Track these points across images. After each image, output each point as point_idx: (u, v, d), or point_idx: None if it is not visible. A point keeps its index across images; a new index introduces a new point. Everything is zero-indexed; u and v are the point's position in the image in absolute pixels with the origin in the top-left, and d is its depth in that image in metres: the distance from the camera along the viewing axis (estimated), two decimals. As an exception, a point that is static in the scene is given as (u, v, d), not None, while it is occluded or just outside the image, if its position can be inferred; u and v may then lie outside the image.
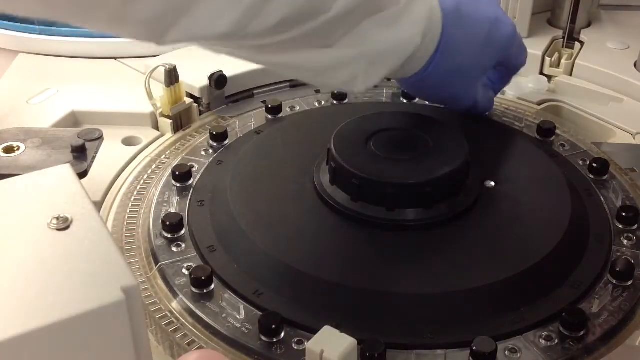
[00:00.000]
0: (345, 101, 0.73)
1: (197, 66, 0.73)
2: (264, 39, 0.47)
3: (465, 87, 0.63)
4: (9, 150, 0.56)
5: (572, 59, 0.81)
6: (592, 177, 0.61)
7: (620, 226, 0.56)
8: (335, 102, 0.73)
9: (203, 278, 0.49)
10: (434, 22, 0.56)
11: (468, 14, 0.59)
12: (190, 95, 0.72)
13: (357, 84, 0.53)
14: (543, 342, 0.46)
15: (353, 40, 0.50)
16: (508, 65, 0.67)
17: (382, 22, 0.51)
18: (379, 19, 0.51)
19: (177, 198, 0.59)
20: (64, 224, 0.38)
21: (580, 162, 0.63)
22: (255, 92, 0.77)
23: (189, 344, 0.47)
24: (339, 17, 0.47)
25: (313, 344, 0.39)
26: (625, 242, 0.54)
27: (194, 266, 0.51)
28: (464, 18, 0.58)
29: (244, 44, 0.48)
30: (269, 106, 0.70)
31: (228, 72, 0.73)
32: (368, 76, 0.53)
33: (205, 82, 0.72)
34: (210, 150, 0.65)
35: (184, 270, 0.51)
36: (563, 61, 0.82)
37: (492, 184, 0.58)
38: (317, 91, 0.77)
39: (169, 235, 0.54)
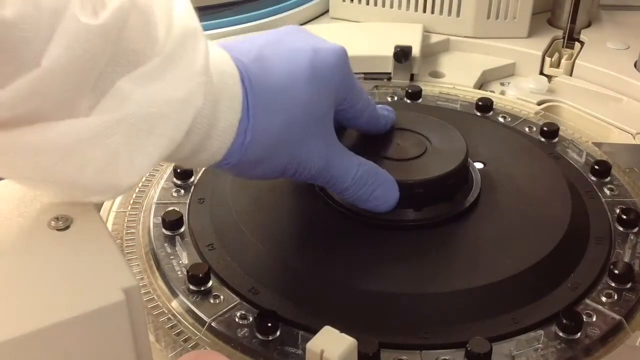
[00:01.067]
0: None
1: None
2: None
3: (306, 148, 0.47)
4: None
5: (572, 59, 0.81)
6: (594, 179, 0.61)
7: (621, 229, 0.56)
8: None
9: (200, 275, 0.50)
10: (225, 77, 0.43)
11: (277, 56, 0.46)
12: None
13: (120, 170, 0.38)
14: (539, 343, 0.46)
15: (109, 104, 0.37)
16: (352, 102, 0.52)
17: (141, 79, 0.38)
18: (137, 75, 0.37)
19: (178, 195, 0.59)
20: (64, 224, 0.38)
21: (583, 164, 0.63)
22: (255, 92, 0.77)
23: (188, 343, 0.47)
24: (56, 74, 0.34)
25: (313, 344, 0.39)
26: (626, 244, 0.54)
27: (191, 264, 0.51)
28: (272, 62, 0.46)
29: None
30: None
31: (228, 72, 0.72)
32: (134, 154, 0.38)
33: (205, 82, 0.71)
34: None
35: (183, 268, 0.52)
36: (563, 61, 0.82)
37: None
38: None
39: (169, 233, 0.55)
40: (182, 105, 0.39)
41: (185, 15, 0.40)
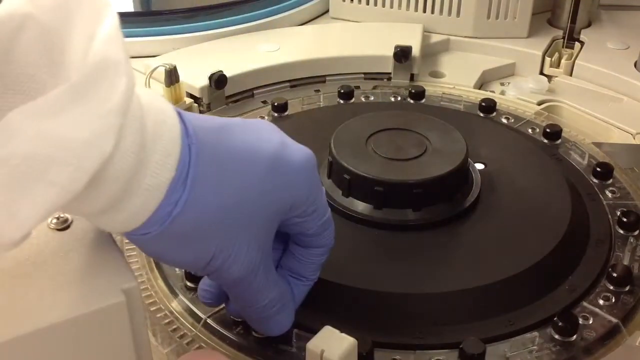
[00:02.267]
0: (352, 100, 0.73)
1: (197, 66, 0.73)
2: None
3: (240, 244, 0.40)
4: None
5: (572, 59, 0.81)
6: (595, 181, 0.61)
7: (622, 231, 0.56)
8: (341, 101, 0.73)
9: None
10: (163, 129, 0.36)
11: (241, 134, 0.40)
12: (191, 95, 0.72)
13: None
14: (534, 345, 0.46)
15: None
16: (306, 232, 0.44)
17: (36, 111, 0.30)
18: (32, 107, 0.30)
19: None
20: (64, 224, 0.38)
21: (585, 166, 0.63)
22: (255, 92, 0.77)
23: (188, 344, 0.47)
24: None
25: (313, 344, 0.39)
26: (625, 247, 0.54)
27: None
28: (233, 137, 0.40)
29: None
30: (275, 104, 0.70)
31: (228, 72, 0.73)
32: (16, 203, 0.30)
33: (205, 82, 0.72)
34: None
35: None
36: (563, 61, 0.82)
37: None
38: (317, 90, 0.77)
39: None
40: (84, 148, 0.31)
41: (109, 44, 0.32)
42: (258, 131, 0.41)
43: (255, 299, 0.43)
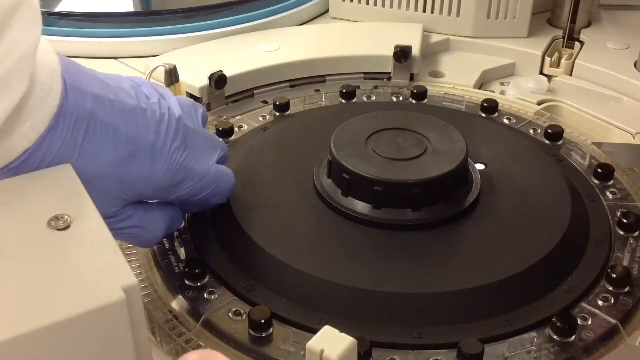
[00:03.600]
0: (354, 100, 0.73)
1: (198, 66, 0.73)
2: None
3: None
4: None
5: (572, 59, 0.81)
6: (596, 182, 0.61)
7: (622, 233, 0.56)
8: (344, 101, 0.73)
9: (197, 272, 0.50)
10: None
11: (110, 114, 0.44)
12: (191, 95, 0.72)
13: None
14: (532, 346, 0.46)
15: None
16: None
17: None
18: None
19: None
20: (64, 224, 0.38)
21: (586, 167, 0.63)
22: (255, 92, 0.77)
23: (182, 338, 0.47)
24: None
25: (313, 344, 0.39)
26: (625, 249, 0.54)
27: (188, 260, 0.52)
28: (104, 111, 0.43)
29: None
30: (277, 103, 0.70)
31: (228, 72, 0.73)
32: None
33: (205, 82, 0.72)
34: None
35: (181, 265, 0.52)
36: (563, 61, 0.82)
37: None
38: (318, 90, 0.77)
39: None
40: None
41: None
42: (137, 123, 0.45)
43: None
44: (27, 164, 0.41)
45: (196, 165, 0.49)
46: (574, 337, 0.46)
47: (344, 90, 0.73)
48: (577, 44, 0.85)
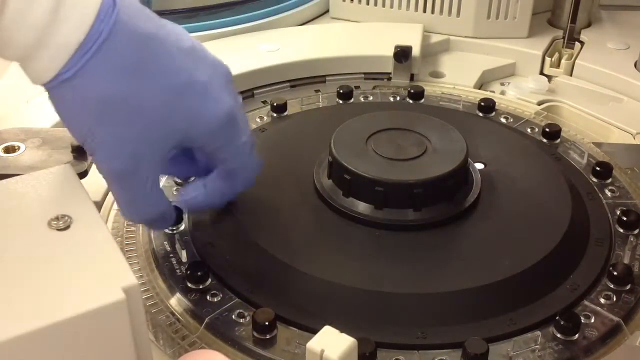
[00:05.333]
0: (351, 100, 0.73)
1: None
2: None
3: (110, 143, 0.43)
4: (9, 150, 0.56)
5: (572, 59, 0.81)
6: (595, 180, 0.61)
7: (622, 230, 0.56)
8: (340, 101, 0.73)
9: (199, 273, 0.50)
10: None
11: (165, 37, 0.44)
12: (191, 95, 0.72)
13: None
14: (536, 344, 0.46)
15: None
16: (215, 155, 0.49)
17: None
18: None
19: (178, 194, 0.59)
20: (64, 224, 0.38)
21: (585, 165, 0.63)
22: (255, 92, 0.77)
23: (188, 343, 0.47)
24: None
25: (313, 344, 0.39)
26: (625, 246, 0.54)
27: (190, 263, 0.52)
28: (158, 40, 0.43)
29: None
30: (274, 104, 0.70)
31: (228, 72, 0.72)
32: None
33: (205, 82, 0.71)
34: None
35: (182, 267, 0.52)
36: (563, 61, 0.82)
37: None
38: (317, 90, 0.77)
39: (168, 231, 0.55)
40: None
41: None
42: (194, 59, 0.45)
43: (128, 212, 0.47)
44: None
45: (242, 119, 0.49)
46: (577, 335, 0.46)
47: (341, 91, 0.73)
48: (577, 44, 0.85)
